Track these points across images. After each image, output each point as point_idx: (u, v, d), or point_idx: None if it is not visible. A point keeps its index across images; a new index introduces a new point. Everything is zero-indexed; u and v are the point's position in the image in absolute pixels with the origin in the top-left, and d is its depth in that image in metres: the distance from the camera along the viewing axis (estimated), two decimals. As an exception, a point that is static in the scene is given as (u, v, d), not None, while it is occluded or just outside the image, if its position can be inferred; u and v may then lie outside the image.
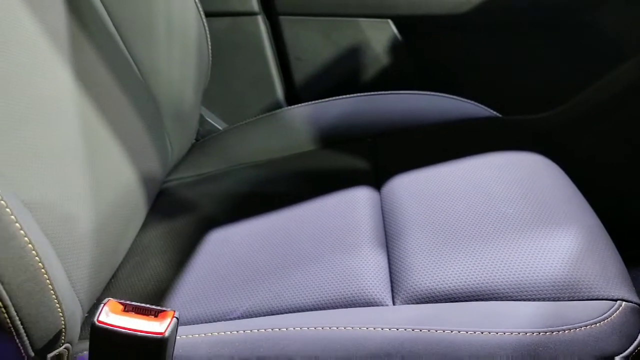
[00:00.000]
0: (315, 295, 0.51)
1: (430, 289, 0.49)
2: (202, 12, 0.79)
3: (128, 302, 0.40)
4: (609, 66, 0.83)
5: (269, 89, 0.98)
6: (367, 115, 0.81)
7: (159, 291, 0.58)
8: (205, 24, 0.80)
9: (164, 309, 0.40)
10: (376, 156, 0.73)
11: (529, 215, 0.54)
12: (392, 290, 0.51)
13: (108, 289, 0.59)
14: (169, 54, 0.77)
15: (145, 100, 0.72)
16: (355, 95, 0.83)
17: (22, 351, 0.42)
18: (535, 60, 0.91)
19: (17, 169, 0.48)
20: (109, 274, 0.60)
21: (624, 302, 0.46)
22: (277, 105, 0.99)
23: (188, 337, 0.48)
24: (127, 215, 0.64)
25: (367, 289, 0.50)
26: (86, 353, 0.48)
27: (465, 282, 0.48)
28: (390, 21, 0.92)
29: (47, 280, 0.42)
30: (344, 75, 0.96)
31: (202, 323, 0.51)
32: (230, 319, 0.51)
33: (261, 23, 0.95)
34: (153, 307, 0.40)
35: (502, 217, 0.54)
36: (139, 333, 0.38)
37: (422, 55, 0.94)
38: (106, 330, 0.38)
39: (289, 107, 0.85)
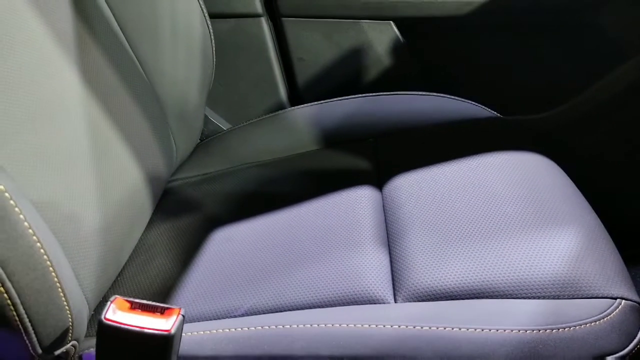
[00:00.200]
0: (318, 293, 0.51)
1: (432, 287, 0.49)
2: (206, 14, 0.79)
3: (135, 299, 0.40)
4: (610, 66, 0.83)
5: (272, 89, 0.99)
6: (369, 115, 0.81)
7: (164, 289, 0.58)
8: (210, 26, 0.81)
9: (170, 306, 0.40)
10: (378, 156, 0.73)
11: (530, 214, 0.54)
12: (394, 288, 0.51)
13: (114, 287, 0.60)
14: (173, 56, 0.77)
15: (150, 101, 0.73)
16: (357, 96, 0.83)
17: (30, 348, 0.42)
18: (536, 61, 0.91)
19: (24, 168, 0.49)
20: (115, 272, 0.61)
21: (623, 301, 0.46)
22: (280, 106, 0.99)
23: (193, 334, 0.49)
24: (133, 214, 0.65)
25: (369, 287, 0.51)
26: (93, 350, 0.49)
27: (466, 280, 0.49)
28: (392, 23, 0.93)
29: (55, 279, 0.43)
30: (346, 76, 0.97)
31: (206, 320, 0.52)
32: (235, 317, 0.51)
33: (264, 25, 0.95)
34: (159, 304, 0.40)
35: (502, 216, 0.54)
36: (145, 330, 0.39)
37: (424, 56, 0.94)
38: (113, 327, 0.39)
39: (292, 107, 0.86)
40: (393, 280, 0.52)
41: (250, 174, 0.77)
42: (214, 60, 0.84)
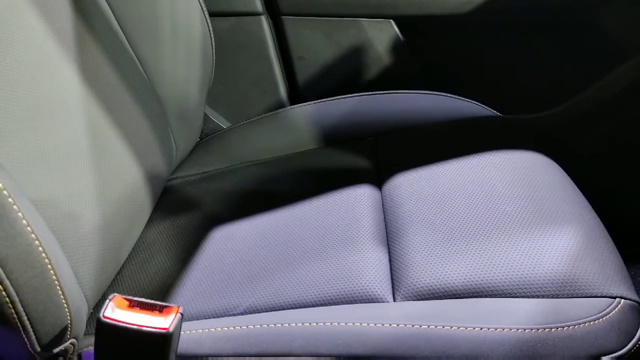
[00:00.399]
0: (317, 292, 0.51)
1: (431, 286, 0.49)
2: (206, 13, 0.79)
3: (133, 297, 0.40)
4: (610, 66, 0.83)
5: (272, 88, 0.99)
6: (369, 114, 0.81)
7: (163, 287, 0.58)
8: (210, 25, 0.81)
9: (168, 304, 0.40)
10: (378, 155, 0.73)
11: (529, 213, 0.54)
12: (393, 287, 0.51)
13: (113, 285, 0.60)
14: (173, 54, 0.77)
15: (150, 100, 0.73)
16: (357, 94, 0.83)
17: (29, 346, 0.42)
18: (537, 60, 0.91)
19: (23, 166, 0.49)
20: (115, 271, 0.61)
21: (622, 300, 0.46)
22: (280, 105, 0.99)
23: (192, 333, 0.49)
24: (133, 212, 0.65)
25: (368, 286, 0.51)
26: (91, 348, 0.49)
27: (465, 279, 0.49)
28: (392, 21, 0.93)
29: (54, 277, 0.43)
30: (346, 75, 0.97)
31: (206, 318, 0.52)
32: (234, 315, 0.51)
33: (264, 23, 0.95)
34: (158, 302, 0.40)
35: (502, 215, 0.54)
36: (144, 328, 0.39)
37: (424, 55, 0.94)
38: (112, 325, 0.39)
39: (292, 106, 0.85)
40: (392, 278, 0.52)
41: (250, 172, 0.77)
42: (214, 58, 0.84)
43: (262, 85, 0.99)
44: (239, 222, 0.65)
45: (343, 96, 0.83)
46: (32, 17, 0.56)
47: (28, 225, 0.41)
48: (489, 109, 0.81)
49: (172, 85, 0.77)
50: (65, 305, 0.44)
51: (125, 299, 0.41)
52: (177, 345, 0.40)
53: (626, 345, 0.44)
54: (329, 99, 0.84)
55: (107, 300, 0.40)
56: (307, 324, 0.47)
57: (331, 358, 0.46)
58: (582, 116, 0.84)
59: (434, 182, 0.63)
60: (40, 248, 0.42)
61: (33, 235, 0.41)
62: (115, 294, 0.40)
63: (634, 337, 0.45)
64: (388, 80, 0.95)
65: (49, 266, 0.42)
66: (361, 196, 0.64)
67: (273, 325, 0.48)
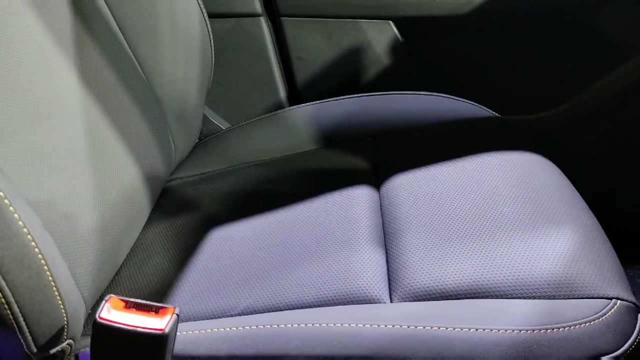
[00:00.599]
0: (314, 293, 0.51)
1: (427, 287, 0.49)
2: (205, 14, 0.80)
3: (129, 298, 0.41)
4: (610, 66, 0.83)
5: (272, 89, 0.99)
6: (368, 115, 0.81)
7: (161, 288, 0.58)
8: (209, 26, 0.81)
9: (164, 305, 0.41)
10: (376, 156, 0.73)
11: (526, 214, 0.54)
12: (390, 288, 0.51)
13: (111, 286, 0.60)
14: (172, 55, 0.78)
15: (149, 101, 0.73)
16: (355, 95, 0.83)
17: (25, 347, 0.42)
18: (536, 61, 0.91)
19: (21, 168, 0.49)
20: (113, 271, 0.61)
21: (619, 301, 0.46)
22: (280, 106, 0.99)
23: (188, 334, 0.49)
24: (131, 213, 0.65)
25: (365, 287, 0.51)
26: (89, 349, 0.49)
27: (461, 280, 0.49)
28: (391, 22, 0.93)
29: (50, 278, 0.43)
30: (345, 76, 0.97)
31: (203, 319, 0.52)
32: (231, 316, 0.51)
33: (264, 24, 0.96)
34: (154, 303, 0.40)
35: (499, 216, 0.54)
36: (139, 329, 0.39)
37: (423, 55, 0.94)
38: (108, 326, 0.39)
39: (291, 107, 0.86)
40: (389, 279, 0.52)
41: (248, 173, 0.77)
42: (213, 60, 0.84)
43: (261, 86, 0.99)
44: (237, 223, 0.66)
45: (342, 97, 0.83)
46: (31, 18, 0.56)
47: (24, 227, 0.41)
48: (488, 109, 0.81)
49: (171, 86, 0.77)
50: (61, 306, 0.44)
51: (122, 300, 0.41)
52: (173, 346, 0.40)
53: (622, 346, 0.44)
54: (327, 100, 0.84)
55: (103, 301, 0.40)
56: (304, 325, 0.47)
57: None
58: (582, 116, 0.84)
59: (431, 183, 0.63)
60: (36, 249, 0.42)
61: (29, 237, 0.41)
62: (112, 295, 0.40)
63: (630, 338, 0.45)
64: (387, 81, 0.95)
65: (45, 267, 0.42)
66: (359, 197, 0.64)
67: (269, 326, 0.48)
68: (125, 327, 0.39)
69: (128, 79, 0.70)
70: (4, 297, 0.40)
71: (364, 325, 0.46)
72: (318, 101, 0.84)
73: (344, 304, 0.50)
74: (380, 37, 0.94)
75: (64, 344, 0.46)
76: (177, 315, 0.41)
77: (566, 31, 0.88)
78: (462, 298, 0.48)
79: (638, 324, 0.46)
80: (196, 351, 0.47)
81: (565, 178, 0.63)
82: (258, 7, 0.94)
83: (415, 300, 0.49)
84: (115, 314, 0.40)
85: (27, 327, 0.41)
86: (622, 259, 0.54)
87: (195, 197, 0.75)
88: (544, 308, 0.45)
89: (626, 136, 0.83)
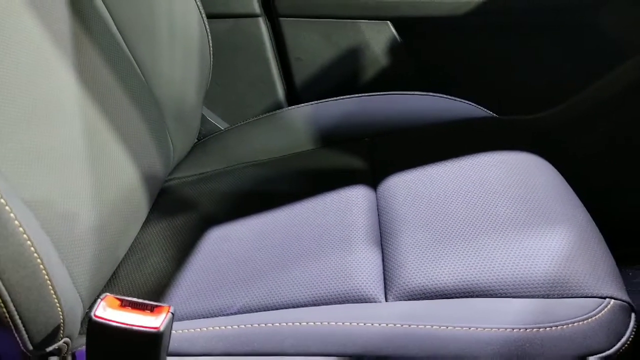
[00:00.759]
0: (310, 292, 0.52)
1: (422, 286, 0.50)
2: (203, 14, 0.80)
3: (125, 297, 0.41)
4: (609, 66, 0.83)
5: (270, 89, 0.99)
6: (366, 115, 0.81)
7: (158, 287, 0.59)
8: (207, 26, 0.81)
9: (159, 304, 0.41)
10: (373, 156, 0.74)
11: (522, 214, 0.54)
12: (386, 287, 0.51)
13: (109, 285, 0.60)
14: (171, 56, 0.78)
15: (147, 101, 0.74)
16: (353, 95, 0.84)
17: (21, 345, 0.43)
18: (535, 61, 0.91)
19: (18, 167, 0.50)
20: (111, 271, 0.61)
21: (612, 300, 0.46)
22: (278, 106, 1.00)
23: (184, 332, 0.49)
24: (129, 213, 0.65)
25: (361, 286, 0.51)
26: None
27: (456, 279, 0.49)
28: (389, 23, 0.93)
29: (46, 277, 0.43)
30: (343, 76, 0.97)
31: (199, 318, 0.52)
32: (227, 315, 0.52)
33: (262, 25, 0.96)
34: (149, 302, 0.41)
35: (495, 216, 0.54)
36: (134, 327, 0.39)
37: (421, 56, 0.94)
38: (103, 324, 0.39)
39: (289, 107, 0.86)
40: (385, 279, 0.52)
41: (246, 173, 0.78)
42: (212, 60, 0.84)
43: (260, 86, 0.99)
44: (235, 223, 0.66)
45: (340, 97, 0.84)
46: (29, 19, 0.56)
47: (20, 226, 0.41)
48: (486, 110, 0.81)
49: (170, 87, 0.77)
50: (57, 304, 0.44)
51: (117, 298, 0.41)
52: (168, 344, 0.41)
53: (615, 345, 0.44)
54: (325, 100, 0.84)
55: (99, 300, 0.40)
56: (298, 324, 0.47)
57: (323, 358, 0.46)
58: (580, 117, 0.84)
59: (428, 183, 0.63)
60: (32, 248, 0.42)
61: (25, 236, 0.42)
62: (107, 293, 0.41)
63: (622, 337, 0.45)
64: (385, 82, 0.95)
65: (41, 266, 0.43)
66: (356, 197, 0.65)
67: (265, 325, 0.48)
68: (120, 325, 0.39)
69: (126, 79, 0.70)
70: (0, 295, 0.40)
71: (358, 324, 0.46)
72: (316, 101, 0.84)
73: (340, 303, 0.50)
74: (378, 37, 0.94)
75: (61, 342, 0.46)
76: (172, 314, 0.41)
77: (565, 31, 0.88)
78: (456, 297, 0.48)
79: (631, 324, 0.46)
80: (192, 350, 0.47)
81: (562, 178, 0.63)
82: (256, 7, 0.94)
83: (410, 299, 0.49)
84: (110, 312, 0.40)
85: (23, 325, 0.42)
86: (620, 258, 0.54)
87: (193, 197, 0.75)
88: (538, 307, 0.45)
89: (624, 136, 0.83)
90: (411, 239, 0.55)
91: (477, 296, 0.47)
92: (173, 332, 0.45)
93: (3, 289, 0.40)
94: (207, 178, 0.79)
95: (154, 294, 0.58)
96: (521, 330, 0.43)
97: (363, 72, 0.96)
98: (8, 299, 0.40)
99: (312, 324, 0.47)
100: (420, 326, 0.45)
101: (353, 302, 0.50)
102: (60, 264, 0.48)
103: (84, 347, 0.50)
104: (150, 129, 0.73)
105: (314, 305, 0.51)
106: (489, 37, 0.91)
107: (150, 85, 0.75)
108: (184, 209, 0.72)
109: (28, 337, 0.42)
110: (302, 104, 0.85)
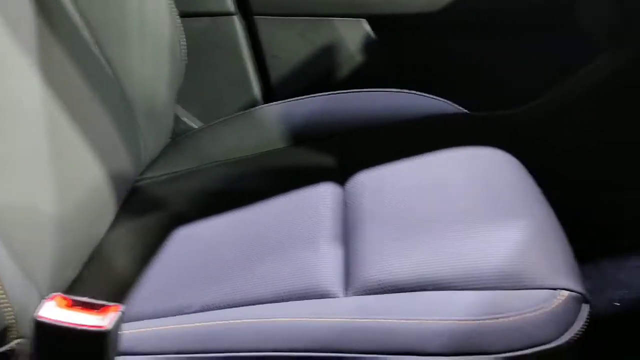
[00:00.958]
0: (272, 289, 0.52)
1: (380, 280, 0.50)
2: (175, 11, 0.80)
3: (75, 297, 0.41)
4: (580, 64, 0.83)
5: (246, 88, 0.99)
6: (339, 112, 0.81)
7: (122, 287, 0.58)
8: (179, 23, 0.81)
9: (109, 303, 0.41)
10: (344, 153, 0.73)
11: (482, 209, 0.54)
12: (347, 282, 0.52)
13: (73, 286, 0.60)
14: (142, 54, 0.77)
15: (117, 99, 0.73)
16: (326, 93, 0.84)
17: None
18: (509, 58, 0.91)
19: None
20: (75, 271, 0.61)
21: (565, 291, 0.46)
22: (254, 104, 0.99)
23: (137, 332, 0.49)
24: (95, 213, 0.65)
25: (321, 282, 0.51)
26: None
27: (413, 272, 0.49)
28: (364, 20, 0.93)
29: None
30: (319, 74, 0.97)
31: (160, 317, 0.52)
32: (188, 313, 0.51)
33: (237, 23, 0.95)
34: (98, 301, 0.40)
35: (455, 211, 0.55)
36: (80, 327, 0.39)
37: (396, 53, 0.94)
38: (48, 325, 0.39)
39: (262, 105, 0.86)
40: (346, 274, 0.52)
41: (218, 172, 0.77)
42: (185, 58, 0.84)
43: (236, 85, 0.99)
44: (202, 222, 0.66)
45: (313, 95, 0.84)
46: (-11, 18, 0.56)
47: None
48: (459, 106, 0.81)
49: (141, 85, 0.77)
50: (6, 304, 0.43)
51: (67, 298, 0.41)
52: (116, 344, 0.40)
53: (565, 335, 0.44)
54: (298, 97, 0.84)
55: (46, 300, 0.40)
56: (254, 320, 0.47)
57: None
58: (553, 112, 0.84)
59: (395, 180, 0.63)
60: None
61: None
62: (56, 293, 0.40)
63: (573, 328, 0.45)
64: (361, 79, 0.95)
65: (-12, 265, 0.42)
66: (324, 194, 0.65)
67: (221, 323, 0.48)
68: (65, 325, 0.39)
69: (95, 77, 0.70)
70: None
71: (313, 319, 0.46)
72: (289, 99, 0.84)
73: (300, 299, 0.50)
74: (353, 35, 0.94)
75: (13, 344, 0.45)
76: (122, 312, 0.41)
77: (540, 29, 0.88)
78: (413, 290, 0.48)
79: (583, 314, 0.46)
80: (142, 349, 0.47)
81: (526, 173, 0.63)
82: (231, 5, 0.94)
83: (369, 294, 0.49)
84: (58, 312, 0.40)
85: None
86: (595, 253, 0.54)
87: (163, 197, 0.75)
88: (489, 298, 0.45)
89: (597, 132, 0.83)
90: (374, 235, 0.55)
91: (432, 289, 0.47)
92: (126, 331, 0.44)
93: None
94: (179, 177, 0.78)
95: (117, 294, 0.57)
96: (470, 321, 0.44)
97: (338, 70, 0.96)
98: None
99: (267, 320, 0.47)
100: (373, 320, 0.45)
101: (313, 298, 0.50)
102: (10, 263, 0.47)
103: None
104: (120, 128, 0.72)
105: (275, 302, 0.50)
106: (463, 34, 0.91)
107: (120, 83, 0.74)
108: (153, 208, 0.72)
109: None
110: (275, 102, 0.85)
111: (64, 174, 0.60)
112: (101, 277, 0.62)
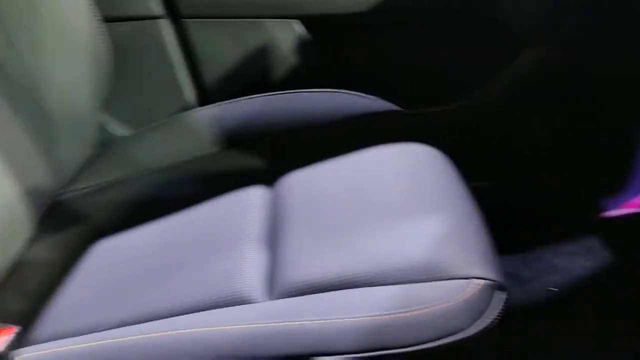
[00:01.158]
0: (191, 299, 0.49)
1: (301, 282, 0.49)
2: (97, 16, 0.76)
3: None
4: (508, 61, 0.85)
5: (178, 93, 0.96)
6: (271, 114, 0.80)
7: (36, 308, 0.55)
8: (102, 29, 0.78)
9: (3, 325, 0.37)
10: (275, 155, 0.72)
11: (405, 204, 0.54)
12: (270, 286, 0.50)
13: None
14: (60, 61, 0.74)
15: (32, 110, 0.69)
16: (262, 95, 0.82)
17: None
18: (440, 55, 0.92)
19: None
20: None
21: (479, 280, 0.46)
22: (188, 109, 0.96)
23: (42, 353, 0.45)
24: (7, 231, 0.61)
25: (244, 288, 0.50)
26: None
27: (333, 272, 0.48)
28: (297, 21, 0.92)
29: None
30: (254, 76, 0.95)
31: (71, 337, 0.49)
32: (101, 330, 0.48)
33: (166, 27, 0.93)
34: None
35: (379, 208, 0.54)
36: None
37: (330, 53, 0.94)
38: None
39: (193, 109, 0.83)
40: (271, 278, 0.51)
41: (146, 180, 0.74)
42: (110, 65, 0.80)
43: (167, 90, 0.96)
44: (126, 234, 0.63)
45: (245, 97, 0.82)
46: None
47: None
48: (392, 104, 0.81)
49: (60, 94, 0.73)
50: None
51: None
52: (9, 368, 0.37)
53: (479, 324, 0.44)
54: (230, 100, 0.82)
55: None
56: (169, 333, 0.45)
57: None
58: (480, 109, 0.86)
59: (324, 179, 0.62)
60: None
61: None
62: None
63: (486, 316, 0.45)
64: (296, 80, 0.94)
65: None
66: (253, 198, 0.63)
67: (134, 338, 0.46)
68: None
69: (6, 88, 0.66)
70: None
71: (233, 327, 0.45)
72: (221, 102, 0.82)
73: (222, 307, 0.48)
74: (287, 36, 0.93)
75: None
76: (18, 334, 0.38)
77: (466, 26, 0.90)
78: (333, 290, 0.47)
79: (496, 302, 0.46)
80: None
81: (454, 168, 0.63)
82: (157, 9, 0.91)
83: (291, 297, 0.48)
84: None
85: None
86: (527, 241, 0.54)
87: (88, 209, 0.71)
88: (403, 292, 0.45)
89: (522, 126, 0.85)
90: (298, 236, 0.54)
91: (350, 287, 0.47)
92: (26, 355, 0.41)
93: None
94: (105, 188, 0.75)
95: (29, 314, 0.54)
96: (380, 316, 0.43)
97: (273, 72, 0.94)
98: None
99: (183, 332, 0.45)
100: (291, 323, 0.44)
101: (235, 305, 0.48)
102: None
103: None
104: (36, 139, 0.68)
105: (195, 311, 0.48)
106: (395, 33, 0.91)
107: (37, 93, 0.70)
108: (74, 222, 0.68)
109: None
110: (207, 106, 0.82)
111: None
112: (15, 297, 0.58)
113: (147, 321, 0.48)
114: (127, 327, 0.48)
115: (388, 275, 0.46)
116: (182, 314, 0.48)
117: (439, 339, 0.42)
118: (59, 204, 0.73)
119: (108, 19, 0.79)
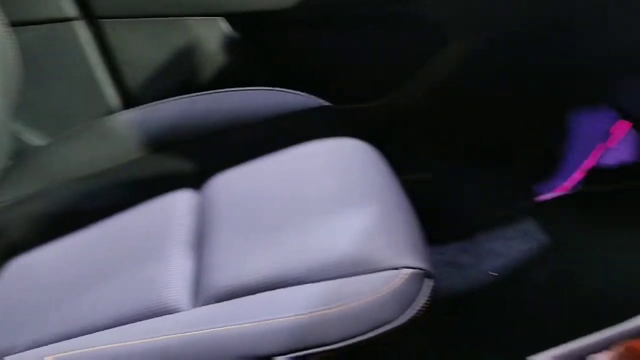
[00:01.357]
0: (112, 313, 0.47)
1: (229, 286, 0.47)
2: (3, 21, 0.71)
3: None
4: (434, 53, 0.87)
5: (98, 97, 0.91)
6: (198, 115, 0.78)
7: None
8: (9, 34, 0.72)
9: None
10: (203, 157, 0.70)
11: (334, 199, 0.54)
12: (196, 293, 0.48)
13: None
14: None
15: None
16: (189, 95, 0.79)
17: None
18: (369, 51, 0.92)
19: None
20: None
21: (407, 269, 0.46)
22: (110, 114, 0.92)
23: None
24: None
25: (168, 297, 0.48)
26: None
27: (261, 273, 0.47)
28: (222, 19, 0.90)
29: None
30: (180, 76, 0.92)
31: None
32: (13, 354, 0.45)
33: (81, 29, 0.88)
34: None
35: (307, 204, 0.54)
36: None
37: (257, 51, 0.93)
38: None
39: (115, 114, 0.79)
40: (196, 284, 0.49)
41: (67, 190, 0.70)
42: (19, 71, 0.75)
43: (86, 95, 0.91)
44: (45, 248, 0.59)
45: (171, 99, 0.79)
46: None
47: None
48: (322, 100, 0.80)
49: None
50: None
51: None
52: None
53: (407, 312, 0.45)
54: (155, 102, 0.78)
55: None
56: (86, 350, 0.43)
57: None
58: (407, 103, 0.87)
59: (252, 179, 0.61)
60: None
61: None
62: None
63: (414, 305, 0.45)
64: (223, 79, 0.91)
65: None
66: (178, 202, 0.61)
67: (48, 358, 0.42)
68: None
69: None
70: None
71: (155, 339, 0.42)
72: (145, 105, 0.79)
73: (147, 318, 0.46)
74: (212, 34, 0.90)
75: None
76: None
77: (392, 21, 0.91)
78: (261, 291, 0.46)
79: (424, 289, 0.46)
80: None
81: (382, 162, 0.64)
82: (70, 10, 0.86)
83: (218, 302, 0.46)
84: None
85: None
86: (462, 230, 0.54)
87: (1, 225, 0.66)
88: (332, 288, 0.45)
89: (447, 119, 0.87)
90: (224, 239, 0.52)
91: (279, 287, 0.46)
92: None
93: None
94: (22, 202, 0.70)
95: None
96: (307, 315, 0.43)
97: (200, 71, 0.92)
98: None
99: (102, 347, 0.42)
100: (215, 329, 0.43)
101: (160, 315, 0.46)
102: None
103: None
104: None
105: (117, 325, 0.46)
106: (322, 29, 0.91)
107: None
108: (-15, 240, 0.63)
109: None
110: (130, 109, 0.79)
111: None
112: None
113: (65, 339, 0.45)
114: (43, 347, 0.44)
115: (317, 272, 0.45)
116: (104, 328, 0.45)
117: (370, 331, 0.42)
118: (-31, 223, 0.68)
119: (17, 23, 0.74)
